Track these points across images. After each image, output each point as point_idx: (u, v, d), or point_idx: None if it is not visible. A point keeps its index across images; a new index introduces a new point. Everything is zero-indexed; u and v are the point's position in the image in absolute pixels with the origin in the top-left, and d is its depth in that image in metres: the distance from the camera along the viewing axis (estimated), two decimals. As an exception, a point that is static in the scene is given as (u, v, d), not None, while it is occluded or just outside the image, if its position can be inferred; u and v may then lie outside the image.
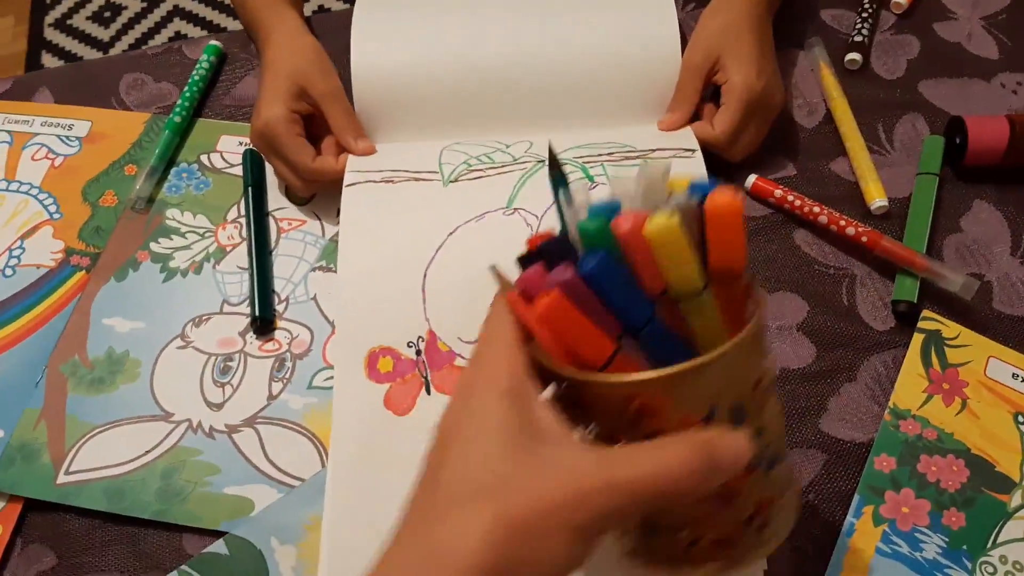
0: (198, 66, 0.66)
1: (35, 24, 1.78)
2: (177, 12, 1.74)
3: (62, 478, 0.50)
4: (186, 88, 0.65)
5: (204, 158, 0.63)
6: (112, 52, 1.68)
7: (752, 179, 0.58)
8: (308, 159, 0.56)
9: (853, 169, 0.59)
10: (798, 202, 0.57)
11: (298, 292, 0.56)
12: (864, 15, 0.65)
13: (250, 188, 0.59)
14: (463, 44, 0.58)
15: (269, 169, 0.61)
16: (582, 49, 0.58)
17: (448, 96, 0.58)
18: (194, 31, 1.73)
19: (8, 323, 0.56)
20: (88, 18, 1.75)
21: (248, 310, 0.55)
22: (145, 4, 1.76)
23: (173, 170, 0.62)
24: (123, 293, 0.56)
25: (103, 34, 1.72)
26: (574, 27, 0.58)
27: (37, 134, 0.65)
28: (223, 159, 0.62)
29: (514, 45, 0.58)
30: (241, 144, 0.63)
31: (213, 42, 0.68)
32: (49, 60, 1.71)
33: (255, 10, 0.62)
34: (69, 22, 1.75)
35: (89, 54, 1.70)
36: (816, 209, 0.56)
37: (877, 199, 0.57)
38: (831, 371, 0.52)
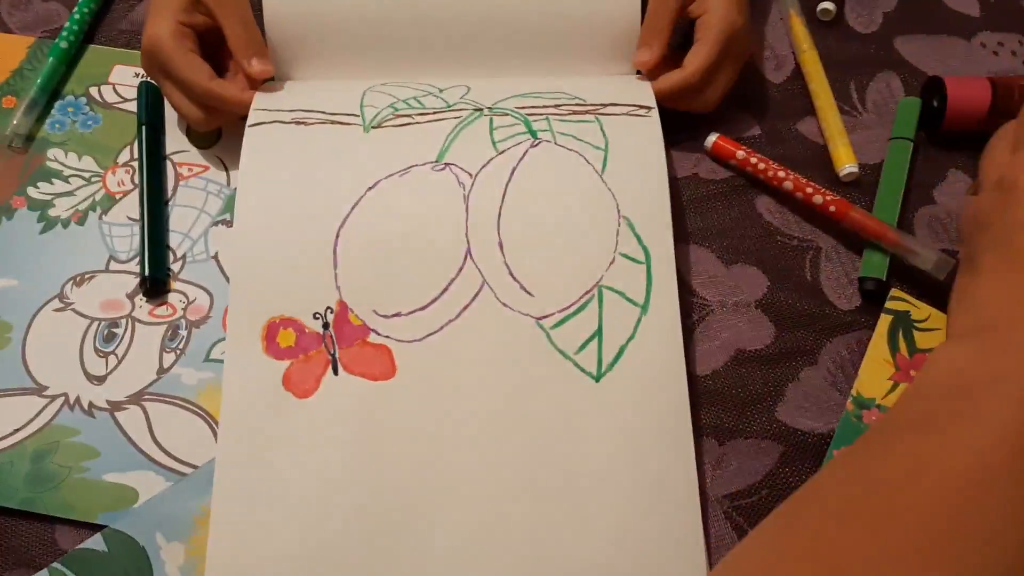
0: (91, -16, 0.58)
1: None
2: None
3: (-89, 460, 0.43)
4: (75, 9, 0.56)
5: (94, 91, 0.54)
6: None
7: (713, 138, 0.52)
8: (202, 77, 0.48)
9: (822, 131, 0.54)
10: (762, 165, 0.51)
11: (197, 249, 0.49)
12: (840, -40, 0.60)
13: (144, 127, 0.52)
14: None
15: (169, 107, 0.53)
16: None
17: (374, 28, 0.50)
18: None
19: None
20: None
21: (138, 269, 0.48)
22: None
23: (57, 104, 0.54)
24: (-7, 245, 0.49)
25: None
26: None
27: (-101, 56, 0.56)
28: (116, 92, 0.54)
29: None
30: (137, 76, 0.55)
31: (109, -43, 0.59)
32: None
33: None
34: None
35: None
36: (781, 174, 0.51)
37: (847, 164, 0.52)
38: (790, 354, 0.47)
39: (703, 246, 0.50)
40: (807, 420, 0.46)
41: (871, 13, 0.59)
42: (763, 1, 0.59)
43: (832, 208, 0.50)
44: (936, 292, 0.48)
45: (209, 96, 0.48)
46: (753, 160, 0.52)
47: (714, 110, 0.52)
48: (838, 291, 0.49)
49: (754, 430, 0.45)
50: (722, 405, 0.46)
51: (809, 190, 0.50)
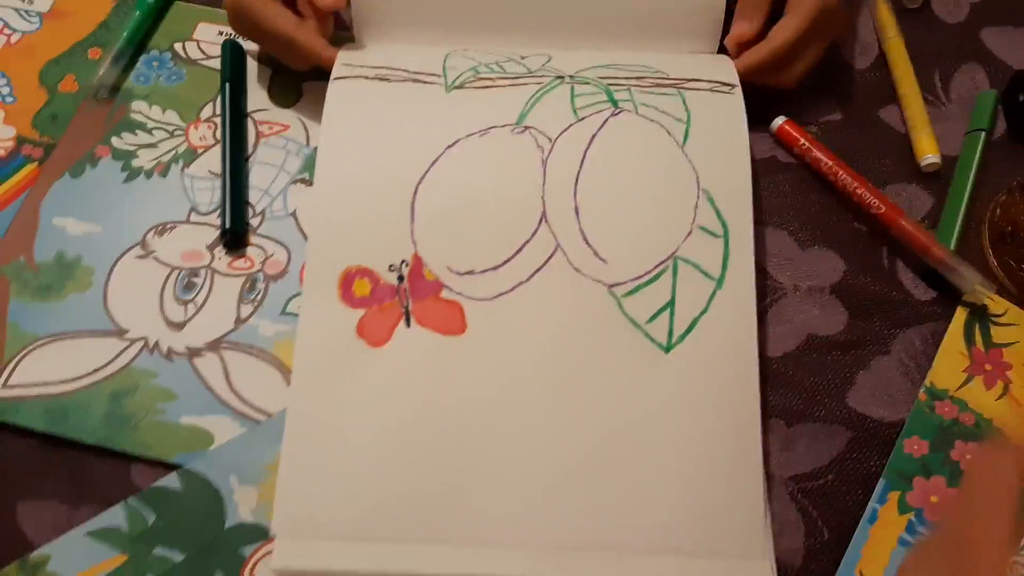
0: (179, -58, 0.58)
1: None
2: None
3: (-2, 392, 0.44)
4: (164, -35, 0.57)
5: (178, 47, 0.55)
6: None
7: (780, 121, 0.52)
8: (287, 26, 0.49)
9: (905, 119, 0.53)
10: (821, 156, 0.50)
11: (275, 206, 0.50)
12: (928, -51, 0.59)
13: (227, 84, 0.52)
14: None
15: (251, 65, 0.54)
16: None
17: None
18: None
19: (-54, 214, 0.49)
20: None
21: (219, 221, 0.49)
22: None
23: (143, 57, 0.55)
24: (78, 191, 0.50)
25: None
26: None
27: (-8, 5, 0.57)
28: (200, 49, 0.55)
29: None
30: (221, 34, 0.55)
31: (198, -84, 0.60)
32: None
33: None
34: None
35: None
36: (839, 170, 0.50)
37: (929, 154, 0.51)
38: (863, 341, 0.47)
39: (779, 228, 0.50)
40: (878, 408, 0.45)
41: (958, 2, 0.58)
42: (850, -14, 0.58)
43: (882, 212, 0.49)
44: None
45: (292, 44, 0.49)
46: (814, 152, 0.51)
47: (795, 89, 0.52)
48: (915, 280, 0.49)
49: (823, 415, 0.45)
50: (792, 388, 0.46)
51: (863, 191, 0.49)
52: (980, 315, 0.47)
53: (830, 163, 0.50)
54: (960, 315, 0.47)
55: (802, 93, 0.53)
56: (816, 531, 0.42)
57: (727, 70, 0.50)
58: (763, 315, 0.47)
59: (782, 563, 0.41)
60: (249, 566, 0.41)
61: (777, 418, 0.45)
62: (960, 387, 0.45)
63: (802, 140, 0.51)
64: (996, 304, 0.48)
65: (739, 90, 0.49)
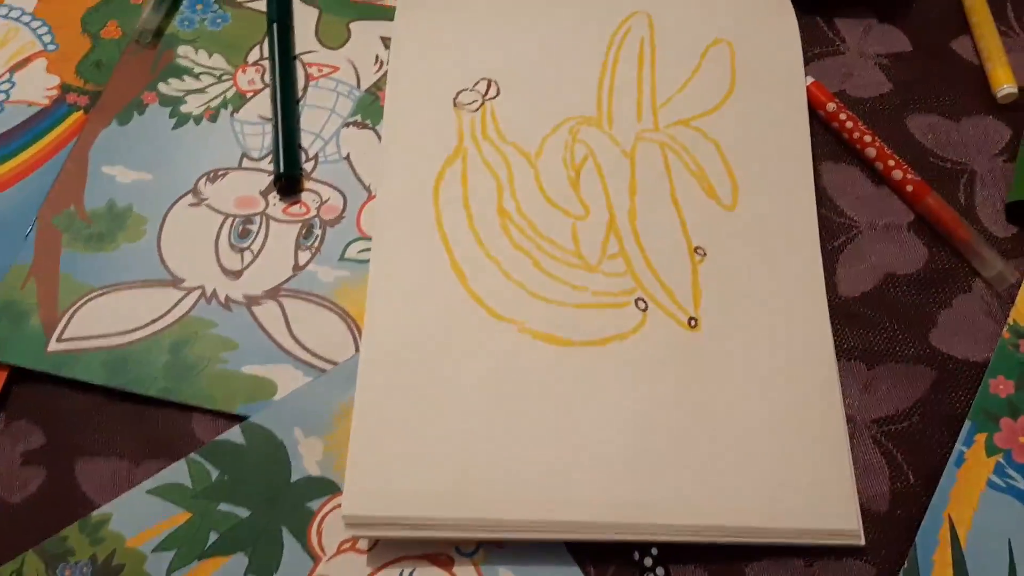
0: None
1: None
2: None
3: (54, 345, 0.43)
4: (202, -93, 0.55)
5: (222, -12, 0.54)
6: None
7: (808, 81, 0.49)
8: None
9: (978, 50, 0.51)
10: (849, 124, 0.48)
11: (329, 150, 0.48)
12: None
13: (274, 25, 0.51)
14: None
15: (298, 5, 0.52)
16: None
17: None
18: None
19: (-7, 164, 0.48)
20: None
21: (271, 167, 0.47)
22: None
23: (186, 0, 0.53)
24: (127, 139, 0.49)
25: None
26: None
27: (27, -49, 0.55)
28: (244, -9, 0.54)
29: None
30: (266, -25, 0.54)
31: None
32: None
33: None
34: None
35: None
36: (867, 138, 0.47)
37: (1005, 84, 0.49)
38: (943, 279, 0.45)
39: (852, 164, 0.48)
40: (962, 347, 0.44)
41: (1033, -72, 0.55)
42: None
43: (909, 188, 0.46)
44: (1105, 220, 0.46)
45: None
46: (842, 116, 0.48)
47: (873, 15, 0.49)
48: (993, 217, 0.47)
49: (906, 355, 0.44)
50: (871, 328, 0.44)
51: (891, 163, 0.47)
52: (1066, 251, 0.45)
53: (862, 130, 0.48)
54: (1045, 251, 0.45)
55: (871, 23, 0.50)
56: (901, 475, 0.41)
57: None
58: (838, 254, 0.46)
59: (867, 509, 0.40)
60: (317, 520, 0.40)
61: (858, 360, 0.43)
62: (1047, 325, 0.44)
63: (830, 104, 0.49)
64: (1082, 239, 0.46)
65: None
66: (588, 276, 0.43)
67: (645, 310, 0.42)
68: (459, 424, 0.40)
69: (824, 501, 0.39)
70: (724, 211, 0.45)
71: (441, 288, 0.43)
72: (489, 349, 0.42)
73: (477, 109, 0.45)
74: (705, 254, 0.44)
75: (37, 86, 0.51)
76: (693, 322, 0.42)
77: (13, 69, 0.51)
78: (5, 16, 0.53)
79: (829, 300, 0.44)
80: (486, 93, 0.47)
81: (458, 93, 0.47)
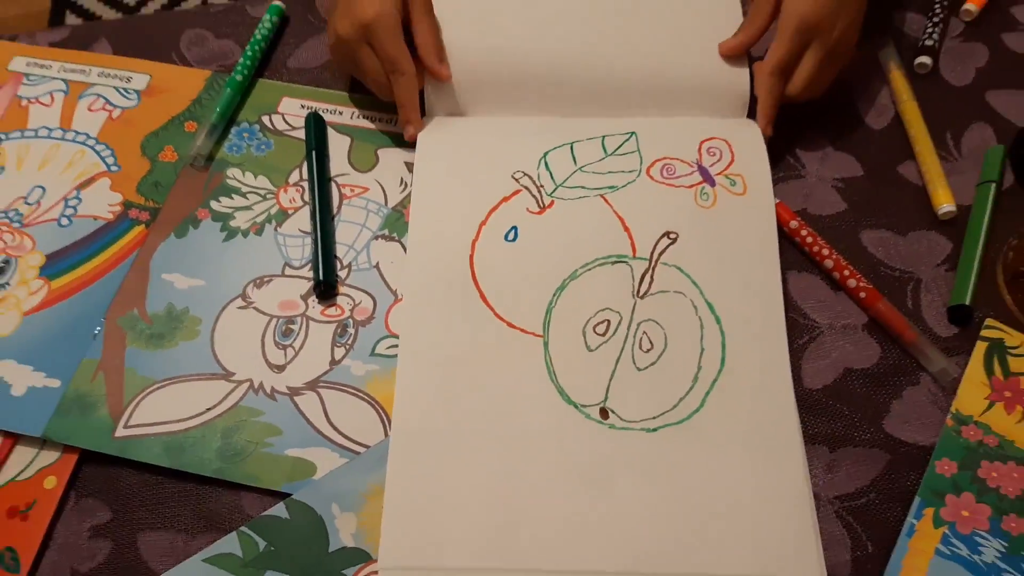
0: (260, 25, 0.65)
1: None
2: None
3: (120, 431, 0.49)
4: (248, 47, 0.64)
5: (265, 119, 0.62)
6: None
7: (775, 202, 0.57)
8: (410, 62, 0.57)
9: (922, 173, 0.59)
10: (810, 239, 0.56)
11: (360, 259, 0.56)
12: (934, 20, 0.65)
13: (313, 151, 0.59)
14: (546, 39, 0.60)
15: (332, 134, 0.60)
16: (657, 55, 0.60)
17: (526, 80, 0.59)
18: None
19: (64, 273, 0.55)
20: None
21: (310, 274, 0.55)
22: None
23: (234, 129, 0.61)
24: (183, 250, 0.56)
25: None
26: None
27: (94, 84, 0.64)
28: (284, 121, 0.62)
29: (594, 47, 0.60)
30: (304, 107, 0.62)
31: (276, 2, 0.67)
32: (72, 20, 1.68)
33: None
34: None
35: (111, 16, 1.67)
36: (825, 251, 0.55)
37: (945, 204, 0.57)
38: (894, 373, 0.52)
39: (813, 274, 0.55)
40: (911, 433, 0.50)
41: (964, 68, 0.64)
42: (868, 56, 0.64)
43: (863, 295, 0.54)
44: (1030, 322, 0.53)
45: (408, 88, 0.57)
46: (804, 232, 0.56)
47: (816, 100, 0.59)
48: (937, 319, 0.54)
49: (863, 439, 0.50)
50: (833, 416, 0.51)
51: (847, 272, 0.54)
52: (998, 348, 0.52)
53: (820, 244, 0.55)
54: (980, 348, 0.52)
55: (828, 151, 0.59)
56: (861, 545, 0.47)
57: (753, 131, 0.57)
58: (803, 351, 0.53)
59: (832, 575, 0.46)
60: (352, 586, 0.46)
61: (821, 444, 0.50)
62: (983, 413, 0.50)
63: (792, 221, 0.57)
64: (1013, 338, 0.53)
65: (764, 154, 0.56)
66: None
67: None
68: (480, 491, 0.47)
69: (795, 567, 0.45)
70: (712, 317, 0.52)
71: (461, 375, 0.50)
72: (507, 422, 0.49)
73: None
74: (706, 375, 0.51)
75: (102, 202, 0.58)
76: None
77: (80, 187, 0.59)
78: (73, 140, 0.61)
79: (796, 391, 0.50)
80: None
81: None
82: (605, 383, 0.50)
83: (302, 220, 0.57)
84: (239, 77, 0.62)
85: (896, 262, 0.56)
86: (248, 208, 0.58)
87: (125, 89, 0.64)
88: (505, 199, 0.56)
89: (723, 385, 0.50)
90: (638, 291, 0.53)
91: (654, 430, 0.49)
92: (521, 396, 0.50)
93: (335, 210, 0.57)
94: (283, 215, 0.57)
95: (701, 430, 0.49)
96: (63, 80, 0.64)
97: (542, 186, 0.56)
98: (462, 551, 0.46)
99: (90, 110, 0.62)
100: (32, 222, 0.57)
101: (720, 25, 0.60)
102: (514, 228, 0.55)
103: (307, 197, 0.58)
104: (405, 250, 0.55)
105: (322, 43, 0.66)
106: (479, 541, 0.46)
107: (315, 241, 0.55)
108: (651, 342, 0.51)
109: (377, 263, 0.55)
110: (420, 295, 0.53)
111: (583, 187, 0.56)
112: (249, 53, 0.64)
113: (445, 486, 0.47)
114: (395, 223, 0.57)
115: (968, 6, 0.66)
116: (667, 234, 0.54)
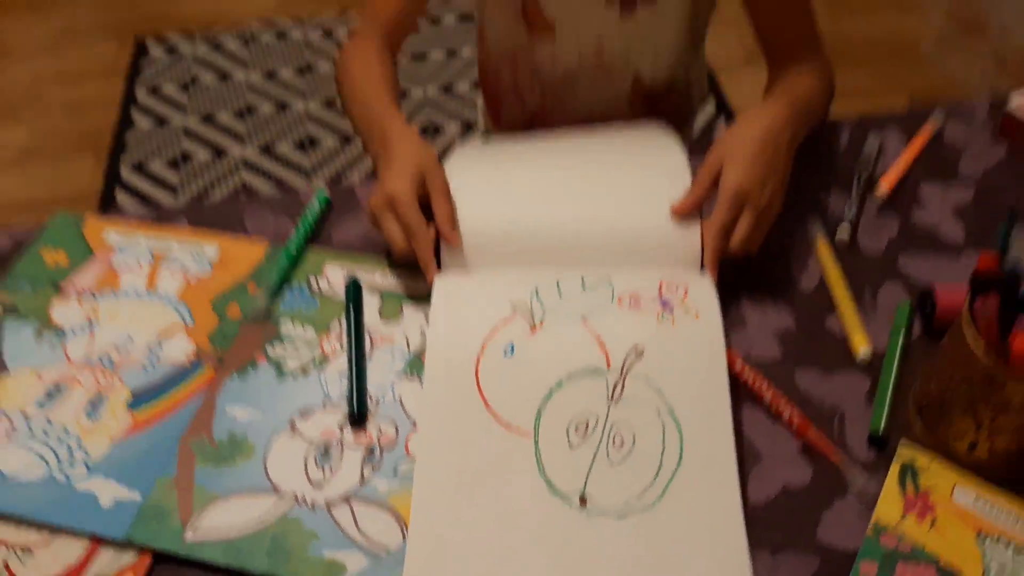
0: (309, 208, 0.81)
1: (112, 164, 1.98)
2: (243, 164, 1.97)
3: (189, 536, 0.61)
4: (299, 225, 0.80)
5: (312, 280, 0.76)
6: (180, 198, 1.90)
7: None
8: (427, 231, 0.71)
9: (843, 325, 0.72)
10: (752, 377, 0.68)
11: (387, 395, 0.68)
12: (854, 199, 0.80)
13: (350, 307, 0.73)
14: (535, 210, 0.75)
15: (366, 294, 0.74)
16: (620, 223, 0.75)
17: (522, 248, 0.73)
18: (257, 181, 1.94)
19: (150, 405, 0.68)
20: (164, 163, 1.97)
21: (345, 407, 0.67)
22: (213, 155, 1.99)
23: (287, 289, 0.76)
24: (244, 387, 0.69)
25: (174, 179, 1.93)
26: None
27: (174, 254, 0.79)
28: (328, 284, 0.76)
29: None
30: (343, 271, 0.77)
31: (323, 191, 0.83)
32: (123, 198, 1.89)
33: (380, 118, 0.78)
34: (145, 166, 1.97)
35: (161, 196, 1.89)
36: (764, 386, 0.67)
37: (862, 348, 0.70)
38: (825, 490, 0.63)
39: (755, 407, 0.68)
40: (839, 539, 0.61)
41: (879, 238, 0.79)
42: (798, 230, 0.79)
43: (795, 424, 0.66)
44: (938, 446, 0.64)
45: (424, 247, 0.71)
46: (747, 373, 0.68)
47: (752, 257, 0.73)
48: (859, 445, 0.66)
49: (799, 546, 0.61)
50: (773, 527, 0.61)
51: (781, 404, 0.67)
52: (910, 467, 0.64)
53: (761, 381, 0.68)
54: (895, 467, 0.64)
55: (766, 309, 0.72)
56: (796, 634, 0.57)
57: (704, 277, 0.71)
58: (748, 472, 0.64)
59: (773, 658, 0.55)
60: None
61: (764, 549, 0.60)
62: (899, 522, 0.61)
63: (737, 361, 0.69)
64: (922, 460, 0.64)
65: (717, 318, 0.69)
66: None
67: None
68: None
69: None
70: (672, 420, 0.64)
71: (465, 484, 0.62)
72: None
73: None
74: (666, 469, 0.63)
75: (180, 350, 0.72)
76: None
77: (162, 338, 0.73)
78: (158, 299, 0.76)
79: (742, 506, 0.61)
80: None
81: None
82: (584, 474, 0.61)
83: (340, 363, 0.70)
84: (292, 250, 0.77)
85: (824, 398, 0.68)
86: (297, 354, 0.71)
87: (199, 257, 0.79)
88: (504, 321, 0.69)
89: (680, 479, 0.61)
90: (612, 397, 0.65)
91: (623, 517, 0.60)
92: (516, 495, 0.61)
93: (367, 355, 0.71)
94: (325, 359, 0.71)
95: (662, 518, 0.60)
96: (149, 251, 0.79)
97: (534, 312, 0.70)
98: None
99: (171, 275, 0.77)
100: (122, 366, 0.71)
101: (674, 195, 0.74)
102: (511, 345, 0.68)
103: (345, 345, 0.71)
104: (422, 386, 0.68)
105: (358, 221, 0.81)
106: None
107: (351, 380, 0.68)
108: (622, 440, 0.63)
109: (401, 398, 0.68)
110: (433, 417, 0.65)
111: (567, 313, 0.70)
112: (300, 230, 0.79)
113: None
114: (415, 364, 0.70)
115: (881, 187, 0.82)
116: (635, 348, 0.67)
